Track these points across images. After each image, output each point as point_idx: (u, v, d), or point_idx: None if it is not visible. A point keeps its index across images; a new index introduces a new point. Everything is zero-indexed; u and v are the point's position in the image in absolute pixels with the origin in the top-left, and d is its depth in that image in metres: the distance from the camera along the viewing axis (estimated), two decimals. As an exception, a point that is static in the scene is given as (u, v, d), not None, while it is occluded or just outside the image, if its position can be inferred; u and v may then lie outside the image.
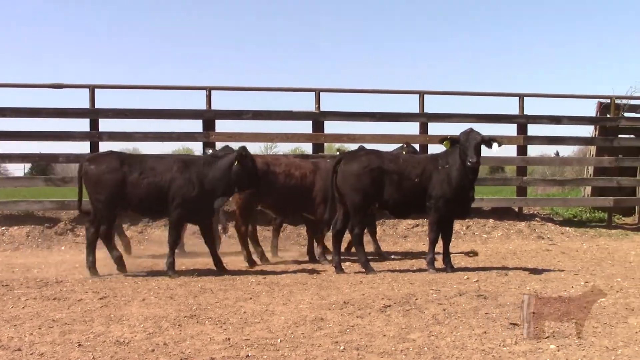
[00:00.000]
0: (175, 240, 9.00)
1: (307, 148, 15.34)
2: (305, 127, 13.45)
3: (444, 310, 6.48)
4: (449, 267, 9.15)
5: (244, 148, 8.90)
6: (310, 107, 13.25)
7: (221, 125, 13.14)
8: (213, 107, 12.99)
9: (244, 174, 8.75)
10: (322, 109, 13.21)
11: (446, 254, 9.27)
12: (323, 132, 13.32)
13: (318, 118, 13.22)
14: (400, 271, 9.11)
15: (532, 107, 15.70)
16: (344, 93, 14.79)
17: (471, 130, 8.89)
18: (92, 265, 8.79)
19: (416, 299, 6.97)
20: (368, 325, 5.91)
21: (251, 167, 8.85)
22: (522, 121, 13.86)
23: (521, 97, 13.87)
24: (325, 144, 13.92)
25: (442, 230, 9.20)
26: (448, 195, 8.95)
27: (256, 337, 5.51)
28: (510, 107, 14.96)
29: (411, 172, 9.01)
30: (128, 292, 7.47)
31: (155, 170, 8.80)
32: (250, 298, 7.15)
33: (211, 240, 9.18)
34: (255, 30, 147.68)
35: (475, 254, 10.84)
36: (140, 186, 8.71)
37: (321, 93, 13.22)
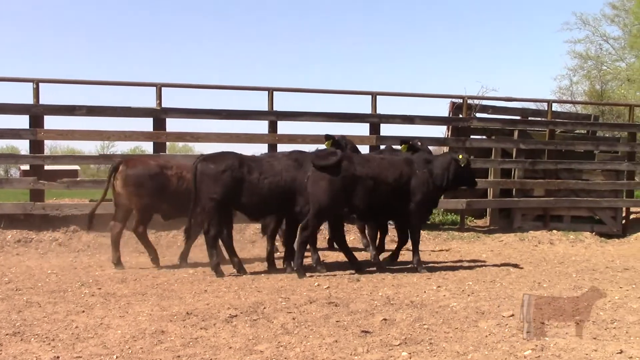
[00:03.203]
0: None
1: (148, 147, 15.10)
2: (146, 124, 13.22)
3: (294, 319, 6.57)
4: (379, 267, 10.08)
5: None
6: (151, 103, 13.05)
7: (51, 122, 12.67)
8: (42, 102, 12.49)
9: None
10: (163, 105, 13.02)
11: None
12: (165, 130, 13.11)
13: (159, 115, 13.01)
14: (248, 278, 9.13)
15: (385, 106, 16.08)
16: (187, 89, 14.61)
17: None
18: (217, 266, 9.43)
19: (264, 308, 7.03)
20: (213, 337, 5.89)
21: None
22: (374, 120, 14.22)
23: (374, 95, 14.22)
24: (167, 143, 13.70)
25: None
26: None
27: (89, 353, 5.36)
28: (363, 105, 15.36)
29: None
30: (-62, 309, 7.06)
31: (275, 170, 9.53)
32: (83, 311, 6.94)
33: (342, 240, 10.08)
34: (92, 19, 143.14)
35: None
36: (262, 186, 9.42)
37: (163, 88, 13.01)
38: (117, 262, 10.04)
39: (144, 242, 10.34)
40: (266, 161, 9.67)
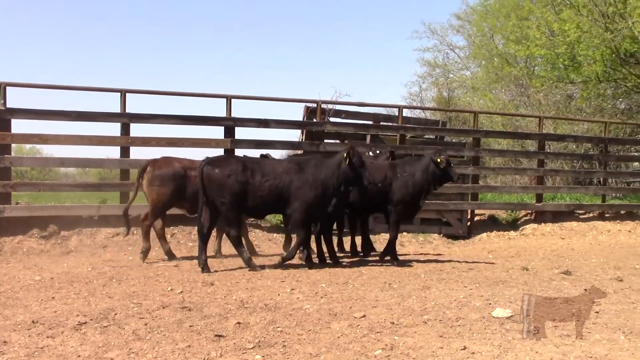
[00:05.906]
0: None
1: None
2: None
3: (146, 324, 6.46)
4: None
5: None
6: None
7: None
8: None
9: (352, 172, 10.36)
10: (8, 105, 12.48)
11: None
12: (10, 131, 12.57)
13: (4, 116, 12.46)
14: (99, 284, 8.86)
15: (240, 110, 16.11)
16: (34, 88, 14.06)
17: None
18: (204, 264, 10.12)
19: (115, 314, 6.86)
20: (60, 346, 5.70)
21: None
22: (229, 124, 14.18)
23: (228, 98, 14.16)
24: (13, 145, 13.14)
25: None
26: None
27: None
28: (217, 108, 15.27)
29: None
30: None
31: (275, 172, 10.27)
32: None
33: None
34: None
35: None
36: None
37: (7, 87, 12.49)
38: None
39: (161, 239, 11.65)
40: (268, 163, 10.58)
